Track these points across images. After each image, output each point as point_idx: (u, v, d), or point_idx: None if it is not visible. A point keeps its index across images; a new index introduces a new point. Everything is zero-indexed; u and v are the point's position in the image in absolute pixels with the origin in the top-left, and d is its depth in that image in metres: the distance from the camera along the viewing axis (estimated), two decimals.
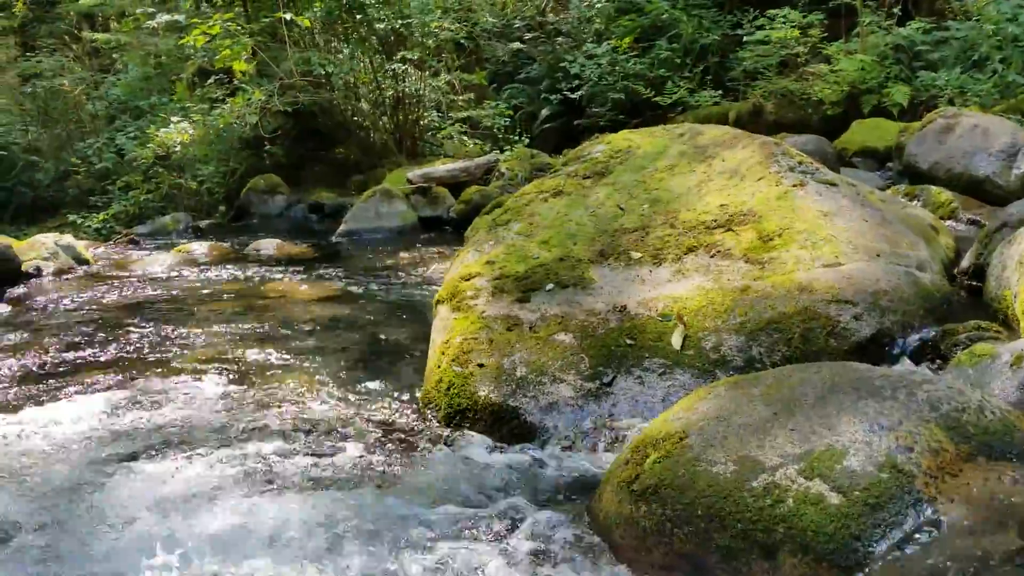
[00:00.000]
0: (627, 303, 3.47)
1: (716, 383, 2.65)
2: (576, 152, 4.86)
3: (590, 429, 3.04)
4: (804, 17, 10.15)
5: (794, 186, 3.85)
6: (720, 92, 10.88)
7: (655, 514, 2.19)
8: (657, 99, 10.94)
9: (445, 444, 3.06)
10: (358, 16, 10.30)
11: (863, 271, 3.39)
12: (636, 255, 3.74)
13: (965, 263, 3.85)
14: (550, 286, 3.64)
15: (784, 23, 10.10)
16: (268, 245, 7.43)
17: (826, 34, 10.20)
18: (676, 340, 3.23)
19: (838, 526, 1.94)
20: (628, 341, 3.29)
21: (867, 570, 1.88)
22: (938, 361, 3.09)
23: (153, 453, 3.03)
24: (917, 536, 1.90)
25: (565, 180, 4.41)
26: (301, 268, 6.67)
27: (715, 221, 3.78)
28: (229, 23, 9.66)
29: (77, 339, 4.60)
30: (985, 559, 1.80)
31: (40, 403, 3.59)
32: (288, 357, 4.18)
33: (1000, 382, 2.63)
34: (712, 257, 3.60)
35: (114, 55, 13.21)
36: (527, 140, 10.49)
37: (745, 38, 10.61)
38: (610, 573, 2.22)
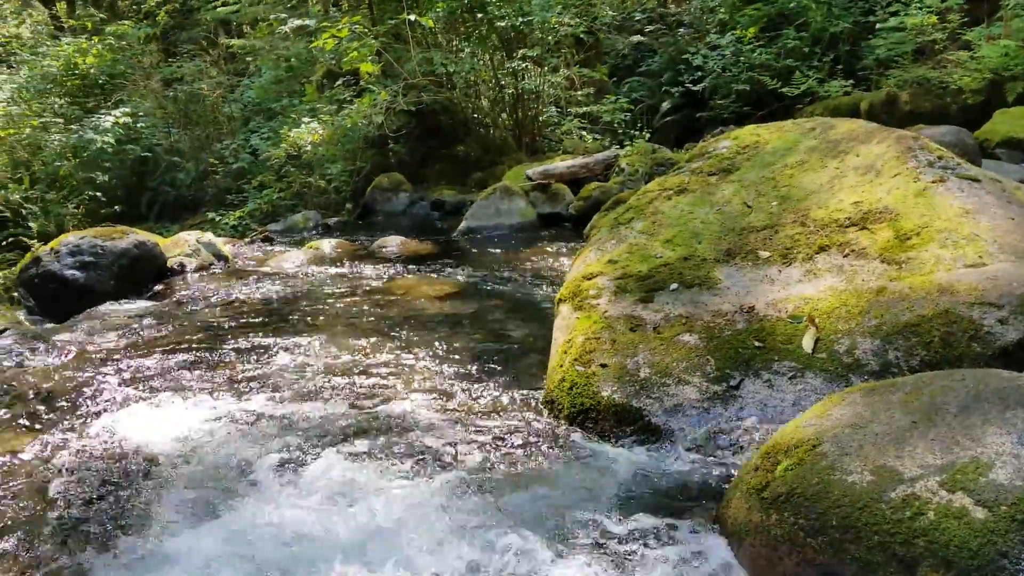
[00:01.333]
0: (755, 304, 3.40)
1: (851, 389, 2.57)
2: (700, 148, 4.78)
3: (716, 433, 3.00)
4: (942, 1, 9.67)
5: (933, 182, 3.68)
6: (851, 82, 10.51)
7: (787, 523, 2.15)
8: (784, 90, 10.66)
9: (568, 444, 3.08)
10: (479, 15, 10.43)
11: (1009, 272, 3.21)
12: (764, 254, 3.66)
13: None
14: (674, 286, 3.61)
15: (920, 8, 9.65)
16: (392, 242, 7.62)
17: (966, 19, 9.70)
18: (807, 343, 3.15)
19: (983, 542, 1.85)
20: (756, 343, 3.23)
21: None
22: None
23: (283, 443, 3.19)
24: None
25: (689, 177, 4.36)
26: (424, 265, 6.82)
27: (848, 219, 3.66)
28: (356, 26, 9.94)
29: (218, 331, 4.85)
30: None
31: (188, 390, 3.81)
32: (412, 352, 4.29)
33: None
34: (845, 257, 3.49)
35: (248, 59, 13.79)
36: (647, 134, 10.37)
37: (878, 25, 10.20)
38: None
